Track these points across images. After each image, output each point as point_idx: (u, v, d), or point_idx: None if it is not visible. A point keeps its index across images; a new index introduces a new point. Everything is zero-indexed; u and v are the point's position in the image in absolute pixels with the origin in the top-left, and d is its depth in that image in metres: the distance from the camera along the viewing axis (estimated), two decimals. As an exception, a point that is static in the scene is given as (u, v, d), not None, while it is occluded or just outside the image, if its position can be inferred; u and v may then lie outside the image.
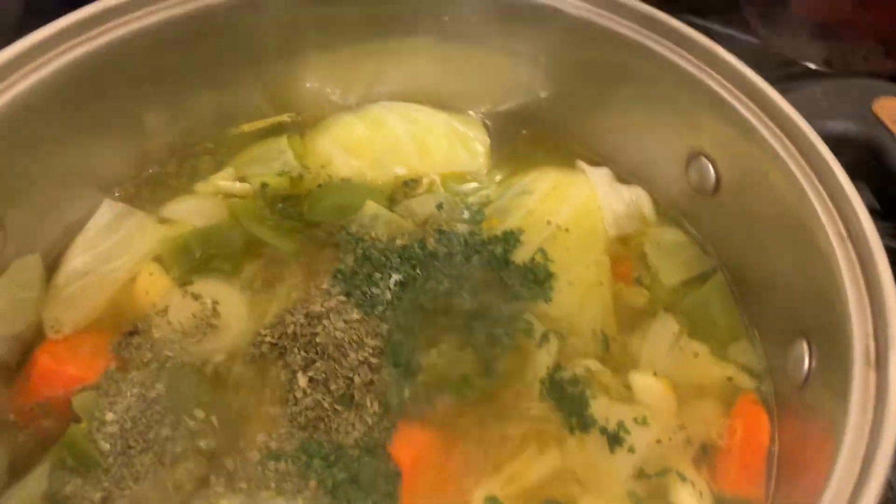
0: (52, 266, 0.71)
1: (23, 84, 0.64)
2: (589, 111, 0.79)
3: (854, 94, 0.66)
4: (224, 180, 0.79)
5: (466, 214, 0.77)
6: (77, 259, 0.71)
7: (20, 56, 0.64)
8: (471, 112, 0.86)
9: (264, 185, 0.79)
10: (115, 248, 0.73)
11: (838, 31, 1.01)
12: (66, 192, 0.73)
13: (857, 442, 0.46)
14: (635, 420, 0.63)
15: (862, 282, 0.54)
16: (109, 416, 0.62)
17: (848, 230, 0.56)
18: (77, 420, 0.62)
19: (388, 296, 0.69)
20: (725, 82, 0.66)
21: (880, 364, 0.49)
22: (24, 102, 0.64)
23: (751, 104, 0.64)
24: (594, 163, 0.80)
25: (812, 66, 1.03)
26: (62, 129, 0.69)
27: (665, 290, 0.71)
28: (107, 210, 0.74)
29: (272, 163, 0.81)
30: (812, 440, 0.54)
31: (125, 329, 0.68)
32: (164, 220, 0.76)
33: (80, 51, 0.67)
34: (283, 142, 0.82)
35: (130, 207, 0.75)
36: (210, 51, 0.75)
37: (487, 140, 0.83)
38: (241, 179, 0.80)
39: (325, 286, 0.70)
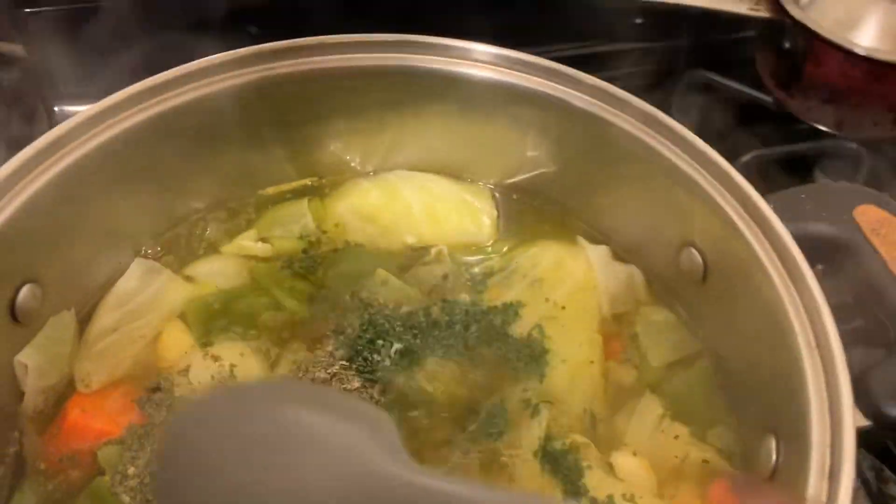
0: (83, 321, 0.76)
1: (80, 150, 0.72)
2: (591, 190, 0.84)
3: (837, 199, 0.70)
4: (247, 241, 0.85)
5: (470, 284, 0.82)
6: (107, 316, 0.77)
7: (82, 124, 0.72)
8: (481, 183, 0.91)
9: (283, 248, 0.84)
10: (143, 306, 0.79)
11: (850, 98, 1.05)
12: (99, 250, 0.79)
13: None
14: (623, 496, 0.67)
15: (825, 393, 0.58)
16: (131, 471, 0.68)
17: (817, 340, 0.60)
18: (102, 473, 0.68)
19: (388, 363, 0.73)
20: (715, 182, 0.70)
21: (833, 476, 0.53)
22: (77, 165, 0.71)
23: (737, 205, 0.69)
24: (594, 239, 0.84)
25: (824, 128, 1.07)
26: (105, 190, 0.75)
27: (652, 370, 0.76)
28: (136, 268, 0.80)
29: (292, 226, 0.86)
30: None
31: (149, 385, 0.73)
32: (189, 279, 0.82)
33: (134, 119, 0.75)
34: (303, 205, 0.88)
35: (159, 265, 0.81)
36: (245, 117, 0.81)
37: (495, 213, 0.88)
38: (263, 241, 0.86)
39: (329, 348, 0.75)
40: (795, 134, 1.08)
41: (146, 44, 0.90)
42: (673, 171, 0.72)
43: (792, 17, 1.02)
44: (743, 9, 1.04)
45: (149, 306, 0.79)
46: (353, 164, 0.91)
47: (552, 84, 0.79)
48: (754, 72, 1.12)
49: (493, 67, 0.81)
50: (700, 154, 0.71)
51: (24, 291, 0.70)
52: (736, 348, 0.71)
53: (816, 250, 0.66)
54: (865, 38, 1.01)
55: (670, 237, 0.77)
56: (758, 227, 0.67)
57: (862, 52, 0.99)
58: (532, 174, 0.88)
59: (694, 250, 0.74)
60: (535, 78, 0.79)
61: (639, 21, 1.15)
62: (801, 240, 0.65)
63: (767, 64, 1.09)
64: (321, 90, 0.83)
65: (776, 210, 0.67)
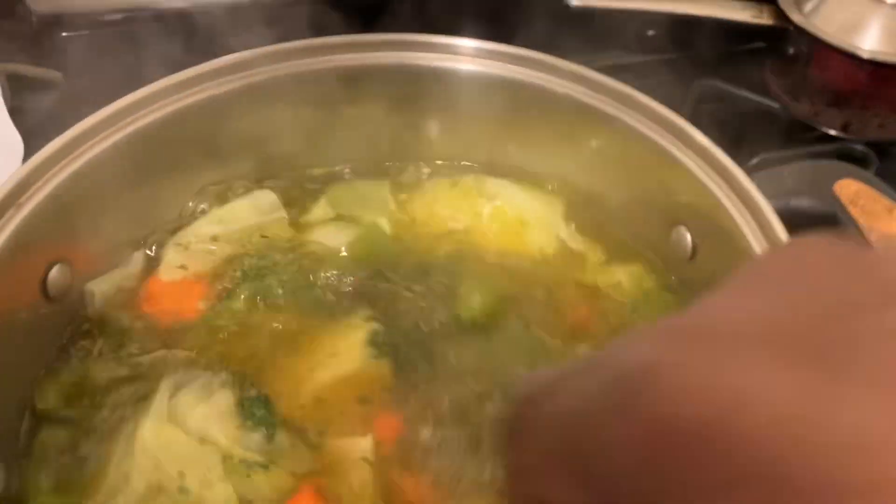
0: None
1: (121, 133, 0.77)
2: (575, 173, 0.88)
3: (818, 175, 0.73)
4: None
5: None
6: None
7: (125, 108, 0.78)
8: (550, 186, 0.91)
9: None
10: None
11: (855, 101, 1.07)
12: (132, 229, 0.83)
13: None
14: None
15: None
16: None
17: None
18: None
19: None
20: (699, 159, 0.73)
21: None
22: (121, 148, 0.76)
23: (721, 182, 0.72)
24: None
25: (831, 132, 1.09)
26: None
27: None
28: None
29: (370, 206, 0.87)
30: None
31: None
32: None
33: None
34: (384, 188, 0.89)
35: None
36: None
37: (562, 223, 0.87)
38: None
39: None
40: (803, 139, 1.11)
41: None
42: (655, 149, 0.76)
43: (794, 24, 1.05)
44: (746, 17, 1.08)
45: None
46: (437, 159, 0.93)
47: (528, 71, 0.84)
48: (763, 79, 1.15)
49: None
50: (681, 132, 0.74)
51: (56, 271, 0.74)
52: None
53: (799, 223, 0.69)
54: (869, 42, 1.04)
55: (660, 217, 0.80)
56: (742, 203, 0.70)
57: (866, 56, 1.02)
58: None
59: (683, 228, 0.77)
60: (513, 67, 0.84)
61: (651, 33, 1.20)
62: (783, 214, 0.68)
63: (774, 70, 1.12)
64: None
65: (760, 187, 0.70)
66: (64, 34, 1.17)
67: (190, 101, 0.80)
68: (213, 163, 0.86)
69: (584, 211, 0.87)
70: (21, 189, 0.70)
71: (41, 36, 1.17)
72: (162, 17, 1.14)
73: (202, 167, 0.86)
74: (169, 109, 0.79)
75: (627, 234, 0.85)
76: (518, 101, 0.86)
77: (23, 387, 0.71)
